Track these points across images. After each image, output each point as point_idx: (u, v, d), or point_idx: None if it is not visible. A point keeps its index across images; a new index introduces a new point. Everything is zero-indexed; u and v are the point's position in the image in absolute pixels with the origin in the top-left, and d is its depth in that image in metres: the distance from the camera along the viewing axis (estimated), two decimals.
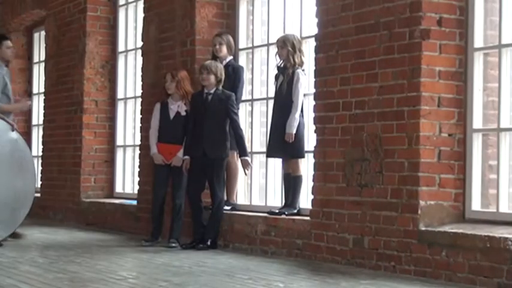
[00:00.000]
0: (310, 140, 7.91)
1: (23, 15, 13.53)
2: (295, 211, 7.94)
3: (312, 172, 7.59)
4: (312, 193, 7.55)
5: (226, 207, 8.51)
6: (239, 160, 8.54)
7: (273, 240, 7.92)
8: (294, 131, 7.85)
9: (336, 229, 7.20)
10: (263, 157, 8.69)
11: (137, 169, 10.14)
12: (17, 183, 8.51)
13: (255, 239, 8.13)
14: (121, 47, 11.43)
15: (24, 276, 6.33)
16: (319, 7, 7.51)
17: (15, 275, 6.37)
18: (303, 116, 7.96)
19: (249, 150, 8.81)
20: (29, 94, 13.94)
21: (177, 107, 8.68)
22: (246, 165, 8.33)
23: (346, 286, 5.98)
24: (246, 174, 8.45)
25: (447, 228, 6.37)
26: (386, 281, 6.20)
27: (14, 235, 8.74)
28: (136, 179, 10.15)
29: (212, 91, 8.38)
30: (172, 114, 8.68)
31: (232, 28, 9.10)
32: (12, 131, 8.58)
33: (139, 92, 10.31)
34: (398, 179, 6.68)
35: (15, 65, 13.85)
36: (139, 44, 10.33)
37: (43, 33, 13.09)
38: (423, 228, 6.47)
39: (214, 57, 8.70)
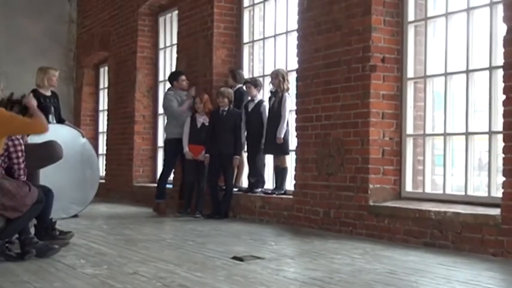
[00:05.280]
0: (293, 142, 7.91)
1: (92, 56, 13.51)
2: (283, 192, 7.94)
3: (294, 165, 7.60)
4: (294, 179, 7.54)
5: (234, 189, 8.51)
6: (244, 157, 8.54)
7: (267, 212, 7.93)
8: (282, 136, 7.87)
9: (310, 204, 7.21)
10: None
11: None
12: (87, 173, 8.54)
13: (254, 212, 8.13)
14: (161, 77, 11.43)
15: (93, 238, 6.36)
16: (299, 49, 7.52)
17: (87, 237, 6.40)
18: (288, 125, 7.98)
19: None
20: (96, 111, 13.97)
21: (202, 119, 8.66)
22: (235, 162, 8.34)
23: (318, 244, 5.96)
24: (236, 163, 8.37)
25: (388, 204, 6.38)
26: (346, 241, 6.19)
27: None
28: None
29: (226, 109, 8.39)
30: (199, 124, 8.64)
31: (238, 64, 9.13)
32: (83, 137, 8.60)
33: None
34: (354, 170, 6.69)
35: (86, 90, 13.88)
36: None
37: (106, 68, 13.09)
38: (372, 204, 6.48)
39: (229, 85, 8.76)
